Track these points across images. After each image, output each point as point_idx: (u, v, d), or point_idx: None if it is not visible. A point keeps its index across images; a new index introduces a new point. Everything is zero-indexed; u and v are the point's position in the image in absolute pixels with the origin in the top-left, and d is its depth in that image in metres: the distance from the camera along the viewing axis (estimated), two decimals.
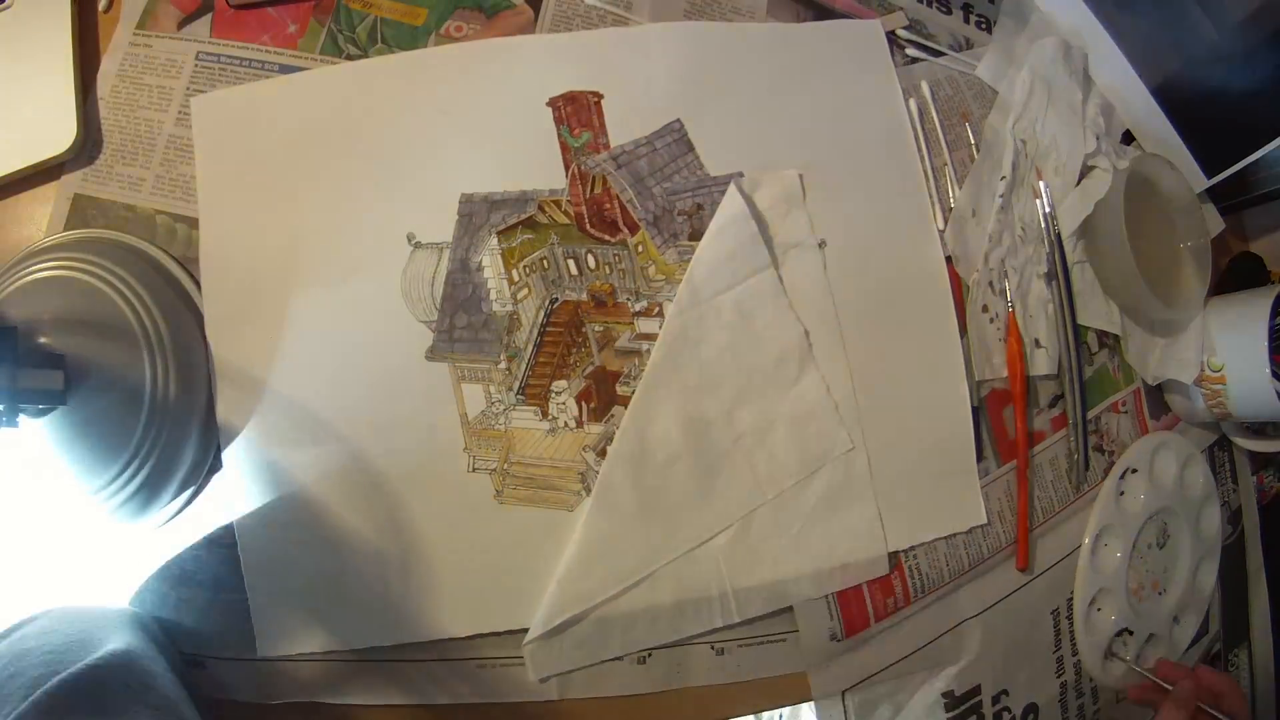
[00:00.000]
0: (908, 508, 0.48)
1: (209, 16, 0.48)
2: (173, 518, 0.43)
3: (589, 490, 0.45)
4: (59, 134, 0.44)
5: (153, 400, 0.40)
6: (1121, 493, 0.53)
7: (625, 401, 0.46)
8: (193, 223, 0.45)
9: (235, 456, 0.43)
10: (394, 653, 0.43)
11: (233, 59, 0.47)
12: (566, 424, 0.46)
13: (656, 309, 0.47)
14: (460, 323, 0.45)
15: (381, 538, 0.43)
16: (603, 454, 0.45)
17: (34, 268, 0.40)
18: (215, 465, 0.43)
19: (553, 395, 0.46)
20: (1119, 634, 0.53)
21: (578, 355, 0.46)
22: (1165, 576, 0.55)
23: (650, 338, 0.46)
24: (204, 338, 0.43)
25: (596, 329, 0.46)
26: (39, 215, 0.45)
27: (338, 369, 0.44)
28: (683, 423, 0.45)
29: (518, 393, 0.45)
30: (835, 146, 0.51)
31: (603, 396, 0.46)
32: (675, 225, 0.48)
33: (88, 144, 0.45)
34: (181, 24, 0.48)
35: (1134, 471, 0.54)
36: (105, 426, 0.39)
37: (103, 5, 0.47)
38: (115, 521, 0.41)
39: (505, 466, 0.45)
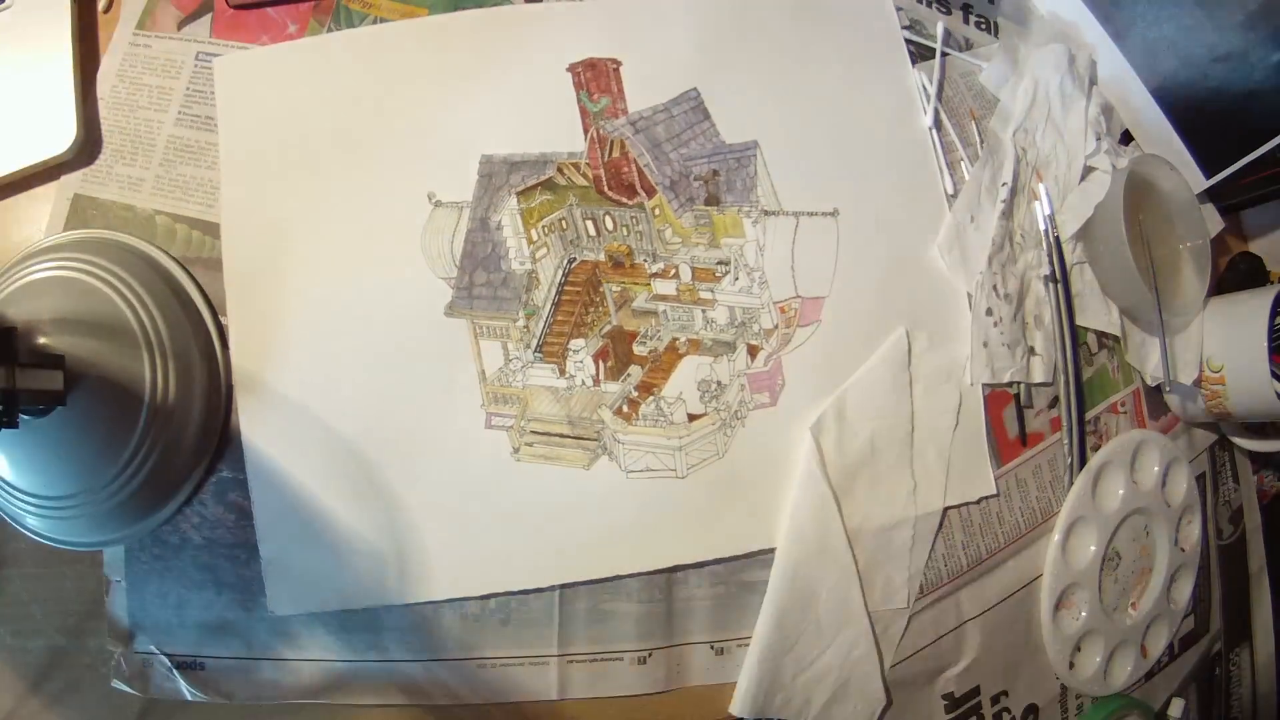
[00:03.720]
0: (918, 479, 0.48)
1: (209, 17, 0.48)
2: (171, 517, 0.43)
3: (605, 448, 0.46)
4: (59, 134, 0.44)
5: (152, 400, 0.40)
6: (1097, 486, 0.52)
7: (642, 361, 0.47)
8: (192, 222, 0.45)
9: (252, 411, 0.43)
10: (393, 652, 0.44)
11: None
12: (584, 382, 0.46)
13: (673, 271, 0.48)
14: (479, 280, 0.46)
15: (398, 494, 0.44)
16: (619, 412, 0.46)
17: (33, 268, 0.40)
18: (214, 465, 0.43)
19: (570, 353, 0.46)
20: (1087, 634, 0.52)
21: (595, 314, 0.47)
22: (1140, 583, 0.54)
23: (666, 298, 0.47)
24: (206, 338, 0.43)
25: (614, 289, 0.47)
26: (38, 215, 0.45)
27: (357, 324, 0.45)
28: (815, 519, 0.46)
29: (535, 350, 0.46)
30: (847, 113, 0.52)
31: (619, 355, 0.47)
32: (692, 190, 0.49)
33: (87, 144, 0.45)
34: (181, 24, 0.48)
35: (1111, 465, 0.53)
36: (105, 426, 0.39)
37: (102, 5, 0.48)
38: (114, 521, 0.41)
39: (523, 424, 0.45)
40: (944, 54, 0.55)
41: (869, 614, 0.46)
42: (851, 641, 0.46)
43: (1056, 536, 0.51)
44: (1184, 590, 0.55)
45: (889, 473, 0.48)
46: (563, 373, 0.46)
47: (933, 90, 0.53)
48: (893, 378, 0.49)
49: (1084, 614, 0.51)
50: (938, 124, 0.53)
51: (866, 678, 0.46)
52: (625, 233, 0.47)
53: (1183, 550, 0.55)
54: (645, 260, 0.48)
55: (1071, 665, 0.51)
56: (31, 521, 0.41)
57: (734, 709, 0.45)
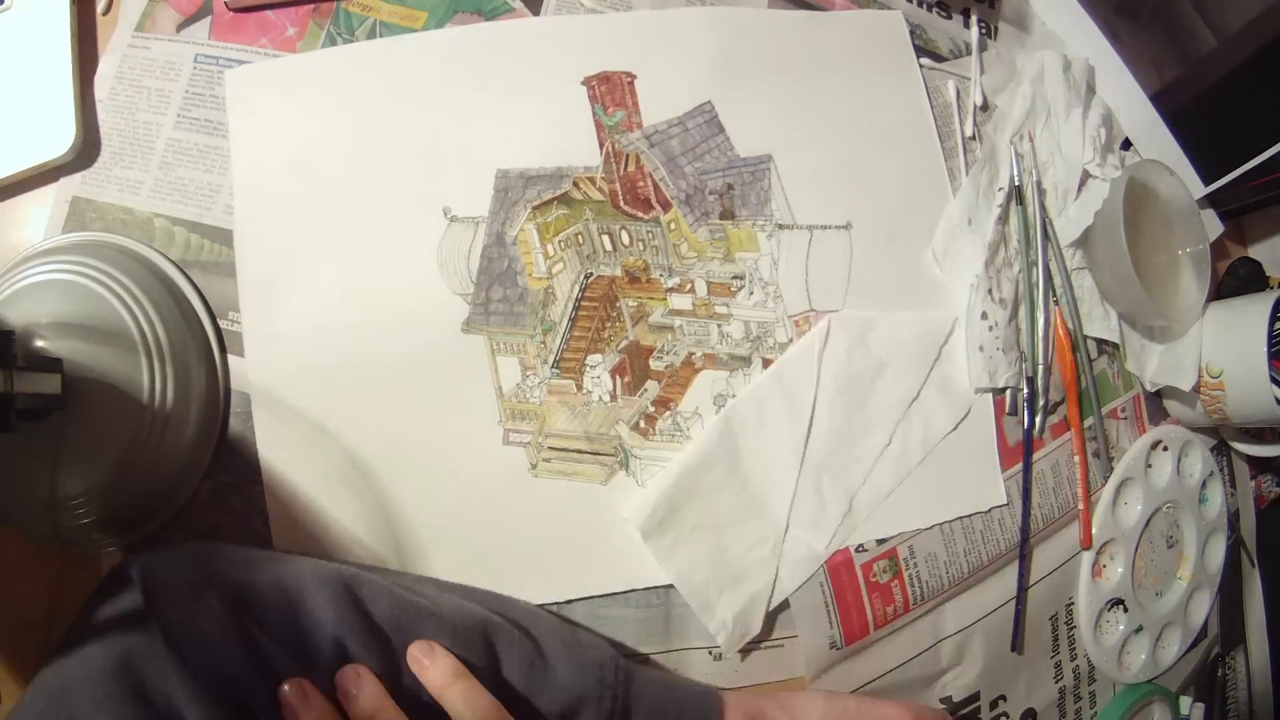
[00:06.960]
0: (928, 488, 0.49)
1: (208, 19, 0.47)
2: (170, 521, 0.43)
3: (623, 464, 0.46)
4: (58, 136, 0.44)
5: (150, 404, 0.39)
6: (1124, 503, 0.54)
7: (659, 376, 0.47)
8: (191, 226, 0.45)
9: (266, 429, 0.43)
10: None
11: (231, 62, 0.47)
12: (601, 398, 0.46)
13: (689, 285, 0.48)
14: (496, 296, 0.46)
15: (416, 513, 0.43)
16: (636, 428, 0.46)
17: (31, 271, 0.40)
18: (212, 470, 0.43)
19: (587, 369, 0.46)
20: (1130, 636, 0.54)
21: (612, 330, 0.47)
22: (1173, 567, 0.56)
23: (683, 313, 0.48)
24: (204, 342, 0.43)
25: (630, 304, 0.47)
26: (37, 218, 0.45)
27: (374, 340, 0.44)
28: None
29: (553, 366, 0.46)
30: (860, 129, 0.52)
31: (636, 371, 0.47)
32: (707, 204, 0.49)
33: (86, 146, 0.45)
34: (180, 27, 0.47)
35: (1130, 480, 0.54)
36: (102, 430, 0.39)
37: (101, 7, 0.47)
38: (112, 525, 0.41)
39: (540, 440, 0.45)
40: (942, 61, 0.55)
41: (788, 524, 0.46)
42: (758, 537, 0.45)
43: (1085, 567, 0.52)
44: (1217, 553, 0.58)
45: (873, 415, 0.48)
46: (580, 388, 0.46)
47: (969, 99, 0.55)
48: (921, 341, 0.49)
49: (1122, 627, 0.53)
50: (963, 132, 0.54)
51: (755, 601, 0.45)
52: (641, 247, 0.47)
53: (1208, 518, 0.57)
54: (661, 275, 0.48)
55: (1120, 662, 0.54)
56: (29, 525, 0.41)
57: (626, 511, 0.44)
